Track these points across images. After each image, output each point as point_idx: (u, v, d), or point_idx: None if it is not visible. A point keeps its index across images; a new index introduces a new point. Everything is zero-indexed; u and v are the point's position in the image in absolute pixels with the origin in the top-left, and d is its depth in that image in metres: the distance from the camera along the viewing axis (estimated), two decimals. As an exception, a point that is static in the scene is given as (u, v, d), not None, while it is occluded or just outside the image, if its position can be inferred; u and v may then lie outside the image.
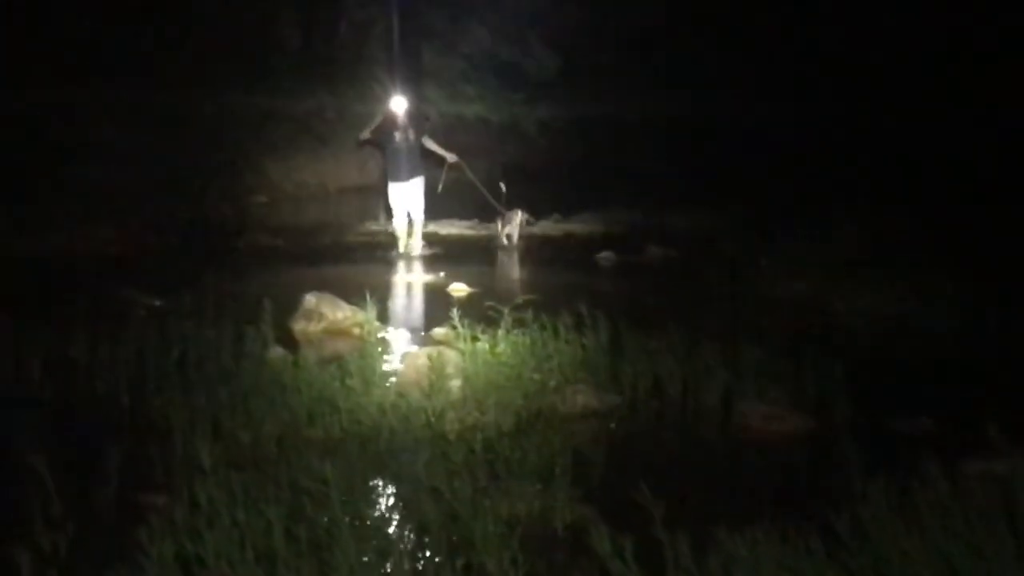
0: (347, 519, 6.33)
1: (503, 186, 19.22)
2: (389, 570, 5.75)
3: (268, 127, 24.77)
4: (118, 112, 23.47)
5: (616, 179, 24.92)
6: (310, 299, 13.47)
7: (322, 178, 22.72)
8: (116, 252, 17.86)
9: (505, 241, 19.32)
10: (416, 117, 18.32)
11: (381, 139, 18.12)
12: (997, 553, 5.85)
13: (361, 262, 17.53)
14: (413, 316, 14.15)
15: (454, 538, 6.36)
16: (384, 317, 13.51)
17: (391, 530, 6.39)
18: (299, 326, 12.95)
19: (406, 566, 5.77)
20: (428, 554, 6.08)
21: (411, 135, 17.77)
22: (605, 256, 19.25)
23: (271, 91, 24.65)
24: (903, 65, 26.40)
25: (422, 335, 12.49)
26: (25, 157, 21.21)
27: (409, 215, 18.13)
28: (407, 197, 17.84)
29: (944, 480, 6.56)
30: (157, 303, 13.53)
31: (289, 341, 12.14)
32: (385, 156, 18.21)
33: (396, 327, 13.36)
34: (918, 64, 26.34)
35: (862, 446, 7.57)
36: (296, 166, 24.51)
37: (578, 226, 23.06)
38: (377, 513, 6.91)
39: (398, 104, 17.92)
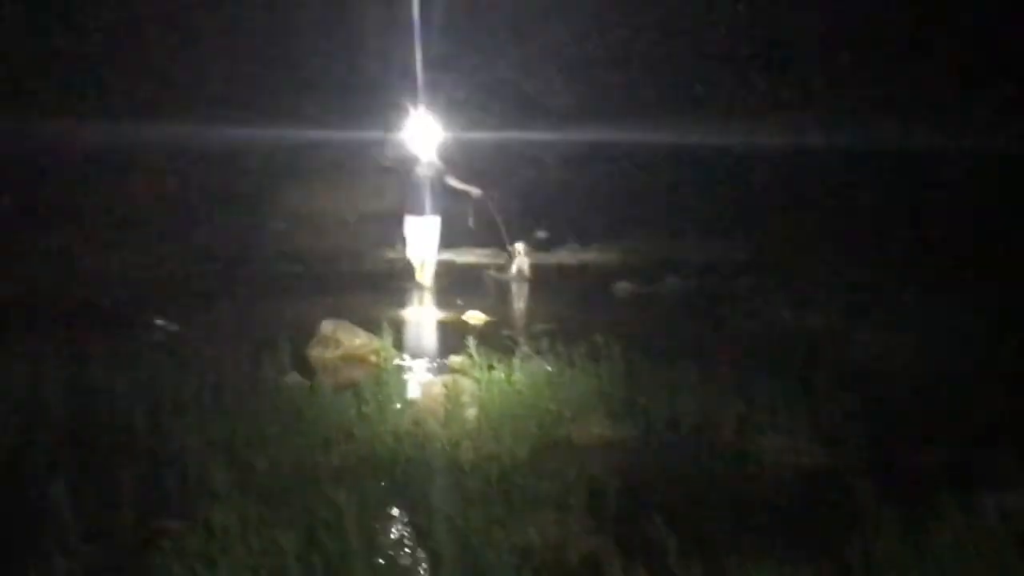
0: (361, 548, 6.35)
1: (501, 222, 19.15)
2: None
3: (289, 155, 24.82)
4: (141, 140, 23.50)
5: (632, 208, 24.94)
6: (327, 325, 13.49)
7: (341, 205, 22.67)
8: (137, 277, 17.90)
9: (516, 274, 19.25)
10: (439, 153, 18.15)
11: (402, 169, 18.02)
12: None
13: (378, 289, 17.54)
14: (429, 344, 14.16)
15: (468, 568, 6.36)
16: (400, 344, 13.53)
17: (405, 560, 6.38)
18: (315, 352, 12.97)
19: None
20: (446, 583, 6.09)
21: (433, 171, 17.75)
22: (621, 286, 19.26)
23: (293, 120, 24.69)
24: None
25: (438, 363, 12.50)
26: (49, 185, 21.32)
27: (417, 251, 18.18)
28: (423, 232, 17.88)
29: (958, 513, 6.56)
30: (175, 328, 13.56)
31: (305, 367, 12.17)
32: (405, 187, 18.06)
33: (412, 355, 13.37)
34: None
35: (876, 479, 7.58)
36: (315, 193, 24.55)
37: (594, 255, 23.11)
38: (391, 542, 6.91)
39: (422, 137, 17.91)
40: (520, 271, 18.93)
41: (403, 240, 18.21)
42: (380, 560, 6.29)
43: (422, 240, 17.96)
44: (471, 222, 18.30)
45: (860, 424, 9.89)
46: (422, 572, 6.22)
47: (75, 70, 24.54)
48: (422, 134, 18.07)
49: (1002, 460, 7.81)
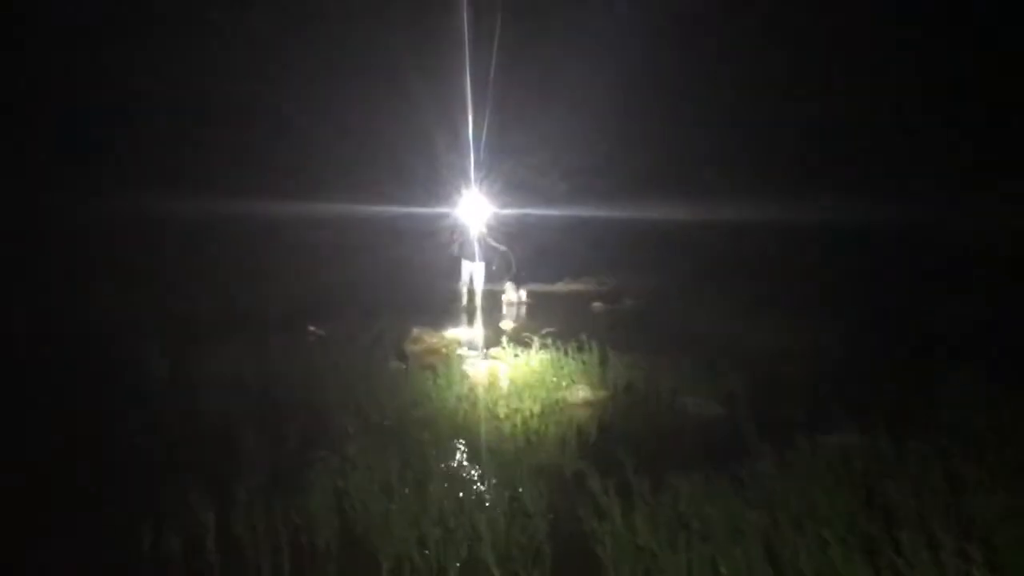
0: (436, 467, 6.42)
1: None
2: (463, 497, 5.81)
3: (399, 225, 24.76)
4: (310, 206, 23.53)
5: (602, 257, 24.93)
6: (415, 330, 13.55)
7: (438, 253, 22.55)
8: (303, 299, 17.99)
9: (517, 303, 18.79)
10: (482, 220, 18.22)
11: (462, 235, 17.96)
12: (836, 486, 5.90)
13: (443, 310, 17.52)
14: (478, 341, 14.17)
15: (505, 478, 6.42)
16: (460, 342, 13.58)
17: (464, 473, 6.45)
18: (409, 347, 13.00)
19: (473, 496, 5.83)
20: (487, 488, 6.14)
21: (481, 232, 17.87)
22: (596, 305, 19.25)
23: (398, 199, 24.68)
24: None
25: (484, 353, 12.52)
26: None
27: (472, 286, 18.03)
28: (472, 272, 17.88)
29: (807, 445, 6.61)
30: (322, 332, 13.61)
31: (402, 356, 12.22)
32: (463, 242, 17.94)
33: (468, 348, 13.42)
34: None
35: (757, 425, 7.62)
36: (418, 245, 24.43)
37: (579, 286, 23.12)
38: (455, 463, 6.98)
39: (469, 210, 18.16)
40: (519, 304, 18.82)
41: (460, 279, 18.23)
42: (448, 474, 6.35)
43: (471, 279, 17.90)
44: (494, 267, 18.35)
45: (748, 390, 9.92)
46: (475, 478, 6.26)
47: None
48: (475, 209, 18.23)
49: (837, 413, 7.81)
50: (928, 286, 18.74)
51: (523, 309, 17.74)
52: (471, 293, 17.76)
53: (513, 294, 18.36)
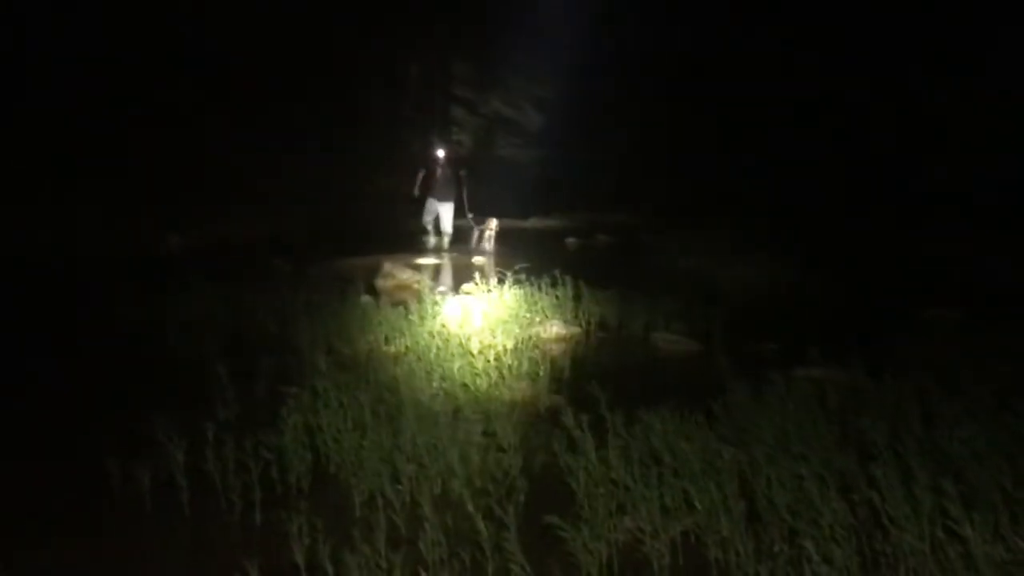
0: (409, 402, 6.39)
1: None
2: (437, 432, 5.79)
3: (364, 156, 24.58)
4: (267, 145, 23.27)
5: (577, 193, 24.86)
6: (387, 265, 13.49)
7: (395, 187, 22.28)
8: (267, 236, 17.87)
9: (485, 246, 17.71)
10: (451, 159, 17.74)
11: (429, 168, 17.46)
12: (811, 421, 5.92)
13: (417, 245, 17.40)
14: (450, 278, 14.13)
15: (478, 414, 6.41)
16: (432, 278, 13.54)
17: (438, 408, 6.42)
18: (379, 283, 12.93)
19: (447, 431, 5.81)
20: (460, 423, 6.12)
21: (447, 170, 17.40)
22: (570, 240, 19.24)
23: (368, 136, 24.50)
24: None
25: (456, 289, 12.48)
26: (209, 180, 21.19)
27: (440, 225, 17.61)
28: (439, 212, 17.47)
29: (782, 381, 6.62)
30: (292, 267, 13.53)
31: (373, 292, 12.17)
32: (433, 183, 17.44)
33: (440, 284, 13.38)
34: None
35: (731, 360, 7.63)
36: (378, 179, 24.27)
37: (553, 222, 23.07)
38: (429, 398, 6.95)
39: (439, 148, 17.65)
40: (488, 237, 17.80)
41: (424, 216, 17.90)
42: (421, 409, 6.32)
43: (439, 217, 17.60)
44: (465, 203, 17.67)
45: (721, 326, 9.94)
46: (447, 415, 6.24)
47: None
48: (442, 148, 17.82)
49: (810, 348, 7.83)
50: (907, 224, 18.82)
51: (490, 243, 17.37)
52: (441, 230, 17.50)
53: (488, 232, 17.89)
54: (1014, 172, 19.84)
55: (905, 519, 4.41)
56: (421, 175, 17.48)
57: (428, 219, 17.72)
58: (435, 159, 17.46)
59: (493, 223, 17.67)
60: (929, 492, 4.40)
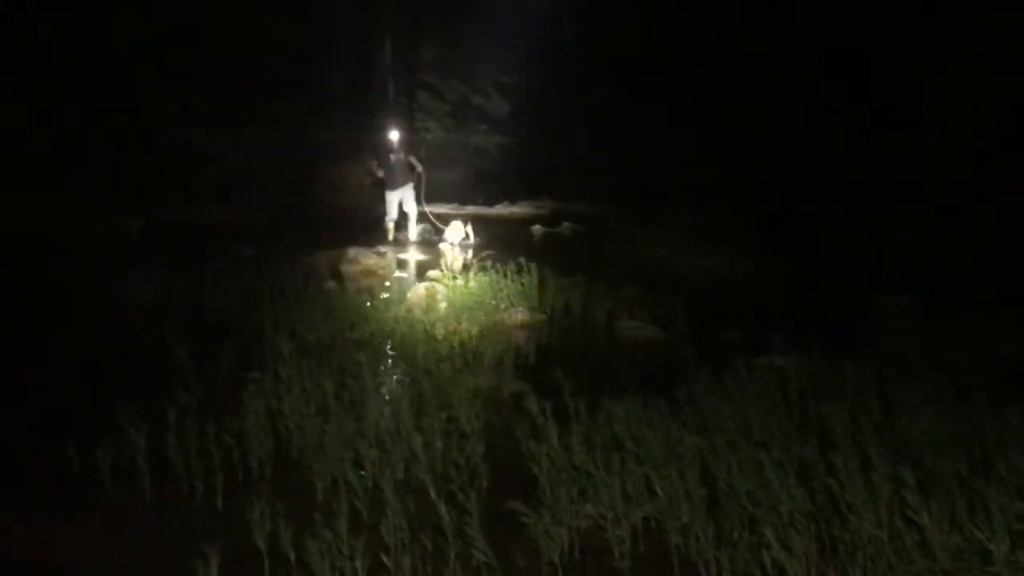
0: (373, 389, 6.37)
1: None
2: (400, 418, 5.78)
3: (325, 146, 24.37)
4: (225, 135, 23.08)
5: (543, 181, 24.84)
6: (351, 251, 13.47)
7: (359, 176, 22.14)
8: (231, 221, 17.76)
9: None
10: (404, 142, 16.61)
11: (381, 159, 16.40)
12: (772, 409, 5.96)
13: (380, 232, 17.28)
14: (415, 263, 14.08)
15: (441, 400, 6.40)
16: (398, 263, 13.50)
17: (401, 395, 6.41)
18: (344, 268, 12.90)
19: (410, 417, 5.80)
20: (424, 409, 6.11)
21: (401, 155, 16.30)
22: (535, 228, 19.24)
23: (326, 125, 24.24)
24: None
25: (421, 275, 12.46)
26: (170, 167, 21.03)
27: (404, 211, 16.54)
28: (401, 199, 16.39)
29: (744, 368, 6.65)
30: (254, 252, 13.46)
31: (338, 277, 12.13)
32: (386, 171, 16.34)
33: (405, 270, 13.35)
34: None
35: (694, 347, 7.66)
36: (343, 166, 24.10)
37: (518, 209, 23.05)
38: (392, 384, 6.94)
39: (392, 134, 16.47)
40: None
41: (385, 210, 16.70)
42: (385, 395, 6.31)
43: (403, 203, 16.46)
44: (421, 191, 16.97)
45: (684, 314, 9.98)
46: (412, 401, 6.22)
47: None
48: (394, 133, 16.54)
49: (772, 336, 7.89)
50: (867, 213, 18.94)
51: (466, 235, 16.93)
52: (404, 216, 16.96)
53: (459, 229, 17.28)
54: (971, 161, 20.02)
55: (863, 507, 4.44)
56: (373, 166, 16.73)
57: (391, 214, 16.52)
58: (387, 145, 16.44)
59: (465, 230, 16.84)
60: (887, 480, 4.43)
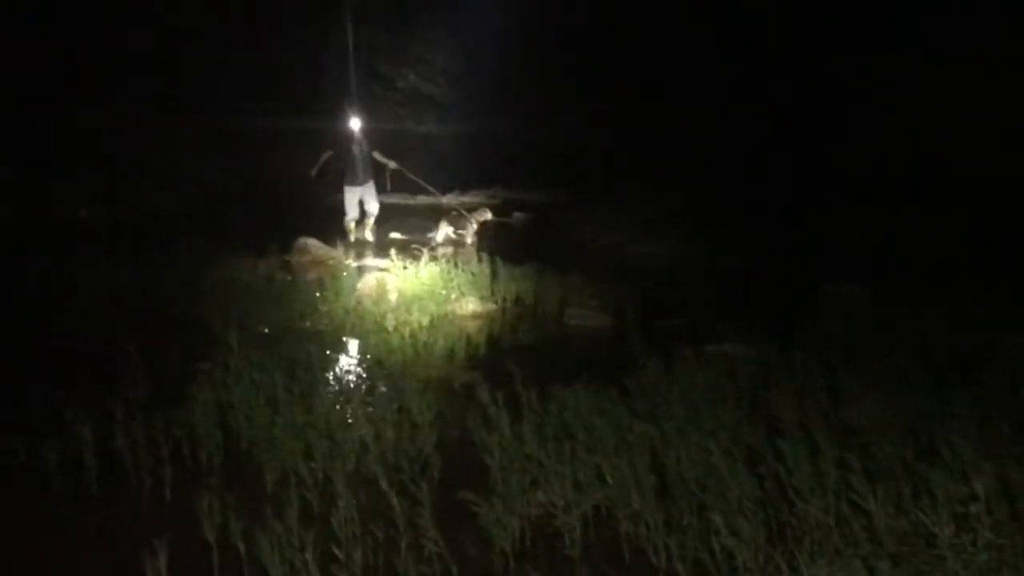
0: (323, 379, 6.34)
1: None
2: (351, 409, 5.76)
3: (281, 133, 24.17)
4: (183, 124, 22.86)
5: (494, 170, 24.79)
6: (301, 241, 13.39)
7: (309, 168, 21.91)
8: (180, 211, 17.60)
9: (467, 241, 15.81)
10: (367, 134, 15.39)
11: (340, 151, 15.12)
12: (721, 396, 6.00)
13: (335, 221, 17.15)
14: (367, 254, 14.01)
15: (392, 391, 6.38)
16: (348, 254, 13.43)
17: (351, 386, 6.39)
18: (294, 258, 12.83)
19: (361, 408, 5.79)
20: (375, 400, 6.10)
21: (364, 148, 15.18)
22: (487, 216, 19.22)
23: (282, 112, 24.02)
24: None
25: (372, 265, 12.41)
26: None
27: (364, 209, 15.46)
28: (362, 196, 15.32)
29: (693, 356, 6.69)
30: (203, 243, 13.33)
31: (288, 268, 12.07)
32: (344, 164, 15.15)
33: (356, 260, 13.29)
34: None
35: (644, 336, 7.69)
36: (295, 156, 23.92)
37: (469, 198, 23.00)
38: (342, 375, 6.91)
39: (353, 123, 15.36)
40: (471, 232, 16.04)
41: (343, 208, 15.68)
42: (335, 386, 6.28)
43: (363, 201, 15.37)
44: (387, 186, 16.30)
45: (635, 302, 10.02)
46: (362, 392, 6.21)
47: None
48: (354, 122, 15.44)
49: (721, 323, 7.95)
50: (815, 201, 19.09)
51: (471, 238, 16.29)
52: (363, 215, 15.79)
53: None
54: (918, 149, 20.25)
55: (810, 492, 4.49)
56: (326, 156, 15.13)
57: (352, 213, 15.48)
58: (347, 136, 15.33)
59: (476, 217, 16.25)
60: (834, 466, 4.49)
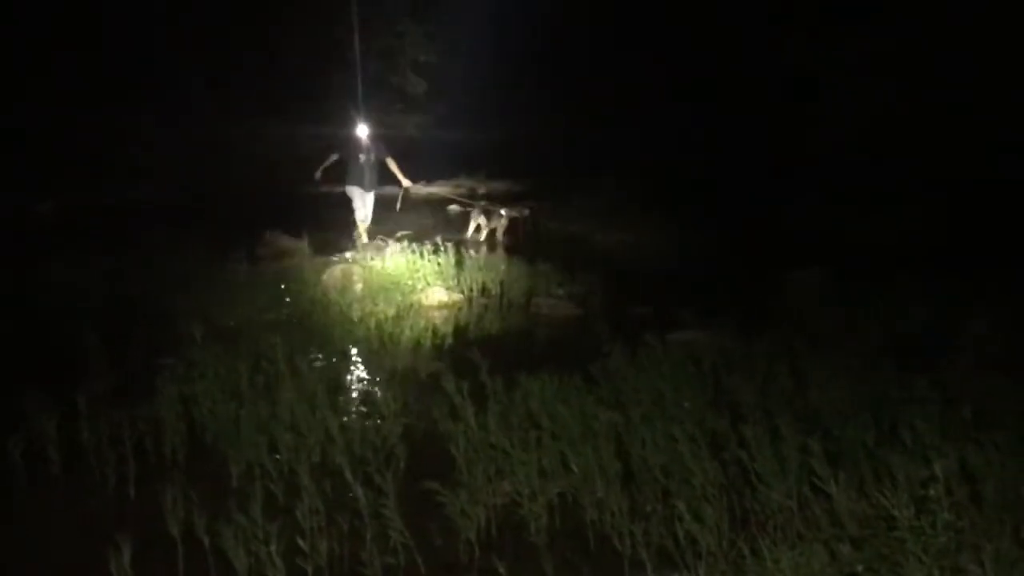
0: (288, 371, 6.31)
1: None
2: (316, 401, 5.73)
3: (243, 126, 24.12)
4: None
5: (460, 160, 24.74)
6: (267, 234, 13.34)
7: (275, 159, 21.83)
8: (145, 205, 17.46)
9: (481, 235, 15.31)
10: (377, 141, 14.41)
11: (347, 156, 14.15)
12: (685, 383, 6.02)
13: (299, 215, 16.98)
14: (332, 245, 13.91)
15: (357, 382, 6.37)
16: (314, 246, 13.35)
17: (316, 377, 6.35)
18: (260, 250, 12.77)
19: (327, 399, 5.76)
20: (341, 391, 6.08)
21: (372, 156, 14.15)
22: (453, 208, 19.16)
23: (281, 119, 24.01)
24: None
25: (338, 256, 12.36)
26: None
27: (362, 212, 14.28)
28: (364, 202, 14.30)
29: (658, 344, 6.70)
30: (169, 236, 13.22)
31: (254, 261, 12.00)
32: (351, 169, 14.18)
33: (321, 252, 13.22)
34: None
35: (609, 324, 7.70)
36: (258, 150, 23.86)
37: (436, 188, 22.93)
38: (308, 367, 6.87)
39: (362, 130, 14.34)
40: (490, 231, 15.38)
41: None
42: (300, 378, 6.25)
43: (363, 207, 14.32)
44: (399, 207, 15.63)
45: (600, 290, 10.04)
46: (327, 384, 6.18)
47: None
48: (364, 129, 14.33)
49: (685, 310, 7.99)
50: (777, 189, 19.18)
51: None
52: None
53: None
54: (877, 136, 20.36)
55: (773, 477, 4.52)
56: (333, 159, 14.18)
57: (360, 212, 14.46)
58: (356, 144, 14.40)
59: (508, 213, 15.54)
60: (796, 451, 4.51)
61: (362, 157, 14.12)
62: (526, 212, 15.50)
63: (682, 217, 16.44)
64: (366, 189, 14.25)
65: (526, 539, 4.62)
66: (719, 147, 23.36)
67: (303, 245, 13.23)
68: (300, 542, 4.26)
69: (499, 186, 22.69)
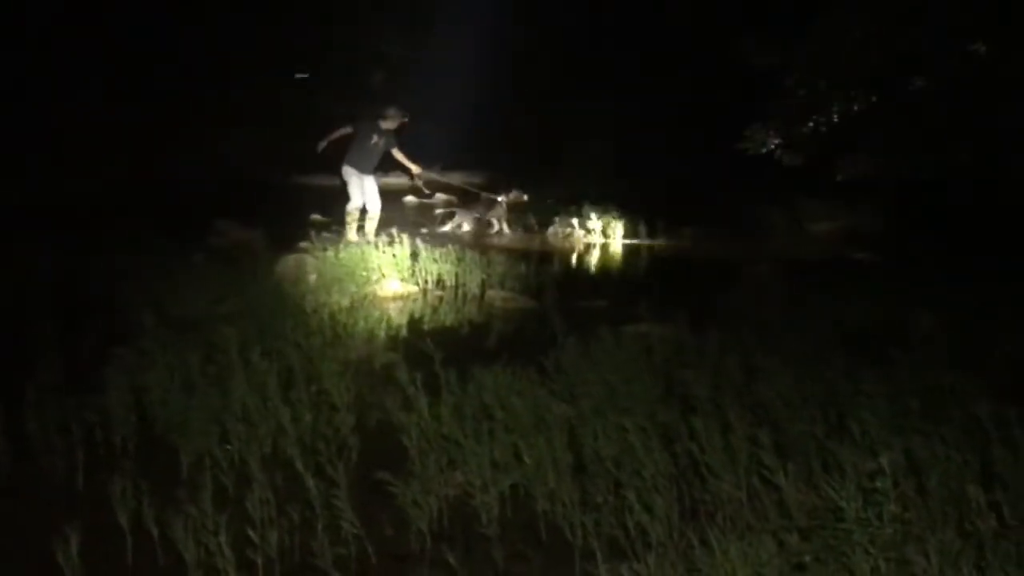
0: (239, 363, 6.27)
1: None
2: (268, 392, 5.69)
3: (202, 118, 23.94)
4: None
5: (418, 152, 24.58)
6: (220, 223, 13.25)
7: (232, 149, 21.69)
8: (96, 195, 17.26)
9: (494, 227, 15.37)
10: (393, 133, 13.67)
11: (358, 135, 13.56)
12: (637, 375, 6.04)
13: (262, 206, 16.80)
14: (287, 235, 13.79)
15: (310, 373, 6.33)
16: (268, 236, 13.25)
17: (268, 368, 6.30)
18: (213, 241, 12.68)
19: (279, 390, 5.73)
20: (293, 382, 6.04)
21: (382, 144, 13.47)
22: (408, 199, 19.13)
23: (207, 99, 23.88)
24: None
25: (292, 247, 12.27)
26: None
27: (365, 208, 13.52)
28: (364, 188, 13.55)
29: (610, 336, 6.72)
30: (122, 226, 13.07)
31: (208, 250, 11.89)
32: (358, 149, 13.48)
33: (276, 242, 13.12)
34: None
35: (563, 317, 7.71)
36: (215, 142, 23.71)
37: (391, 181, 22.55)
38: (260, 358, 6.82)
39: (383, 115, 13.61)
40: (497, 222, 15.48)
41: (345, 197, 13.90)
42: (252, 369, 6.20)
43: (364, 196, 13.56)
44: (424, 191, 15.33)
45: (555, 283, 10.07)
46: (280, 375, 6.13)
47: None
48: (381, 112, 13.67)
49: (639, 304, 8.02)
50: (730, 181, 19.27)
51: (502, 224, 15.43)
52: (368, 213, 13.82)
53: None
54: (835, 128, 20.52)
55: (723, 468, 4.55)
56: (340, 132, 13.60)
57: (356, 201, 13.65)
58: (371, 125, 13.66)
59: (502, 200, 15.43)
60: (746, 442, 4.55)
61: (373, 138, 13.53)
62: (524, 197, 15.50)
63: (638, 209, 16.47)
64: (364, 172, 13.67)
65: (477, 530, 4.62)
66: (679, 137, 23.41)
67: (257, 235, 13.13)
68: (250, 533, 4.23)
69: (463, 178, 22.61)
